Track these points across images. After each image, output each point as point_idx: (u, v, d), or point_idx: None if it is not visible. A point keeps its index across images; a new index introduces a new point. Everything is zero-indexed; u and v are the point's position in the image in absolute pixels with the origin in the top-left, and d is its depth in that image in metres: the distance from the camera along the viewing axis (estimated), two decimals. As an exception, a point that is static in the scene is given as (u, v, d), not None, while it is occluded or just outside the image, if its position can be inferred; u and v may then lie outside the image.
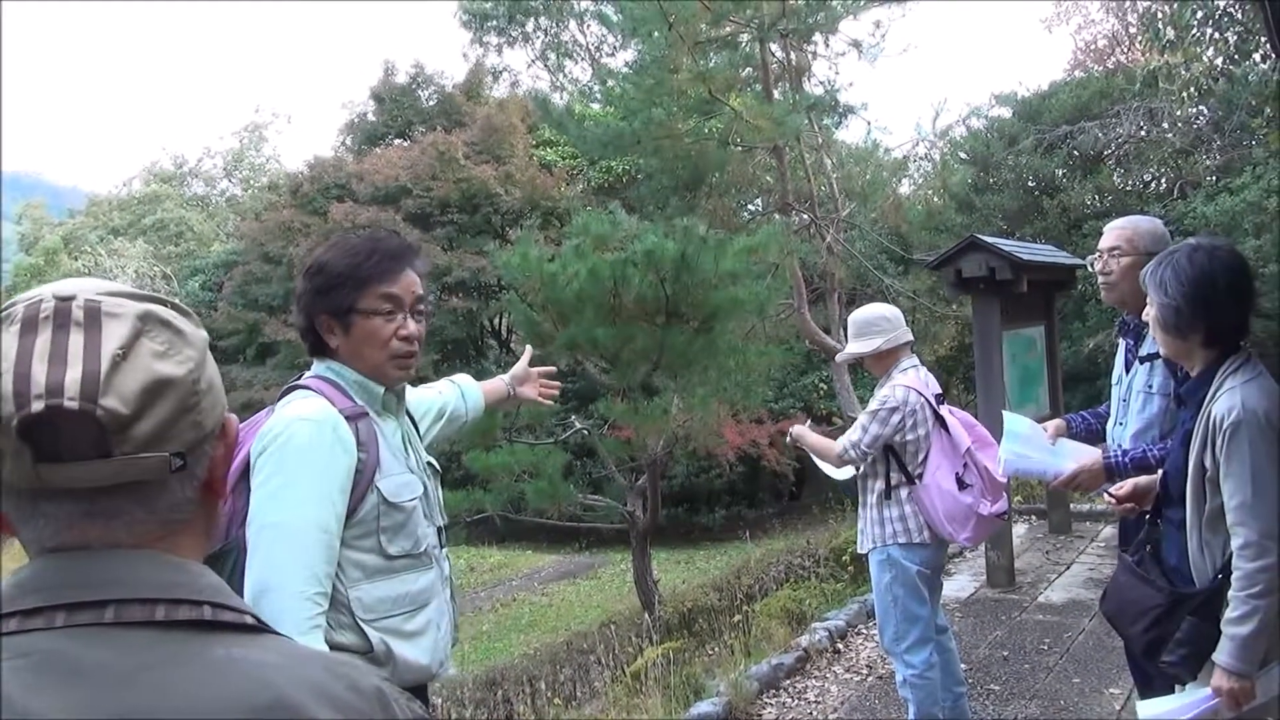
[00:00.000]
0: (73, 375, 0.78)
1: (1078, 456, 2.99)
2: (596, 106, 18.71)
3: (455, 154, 20.05)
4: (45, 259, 28.72)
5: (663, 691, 5.30)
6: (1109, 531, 7.31)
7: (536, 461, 8.20)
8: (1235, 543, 2.22)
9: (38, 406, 0.76)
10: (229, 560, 1.92)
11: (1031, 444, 3.11)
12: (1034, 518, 8.07)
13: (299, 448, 1.89)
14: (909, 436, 3.57)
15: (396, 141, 23.31)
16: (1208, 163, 12.69)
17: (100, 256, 27.28)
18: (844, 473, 3.75)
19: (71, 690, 0.73)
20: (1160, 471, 2.57)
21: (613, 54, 20.70)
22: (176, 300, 0.89)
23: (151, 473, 0.81)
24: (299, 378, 2.13)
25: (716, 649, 6.60)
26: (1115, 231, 3.08)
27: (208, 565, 1.83)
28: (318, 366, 2.10)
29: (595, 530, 13.91)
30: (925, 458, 3.58)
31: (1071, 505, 7.88)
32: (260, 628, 0.84)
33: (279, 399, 2.06)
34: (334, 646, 1.88)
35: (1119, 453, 2.95)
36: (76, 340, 0.79)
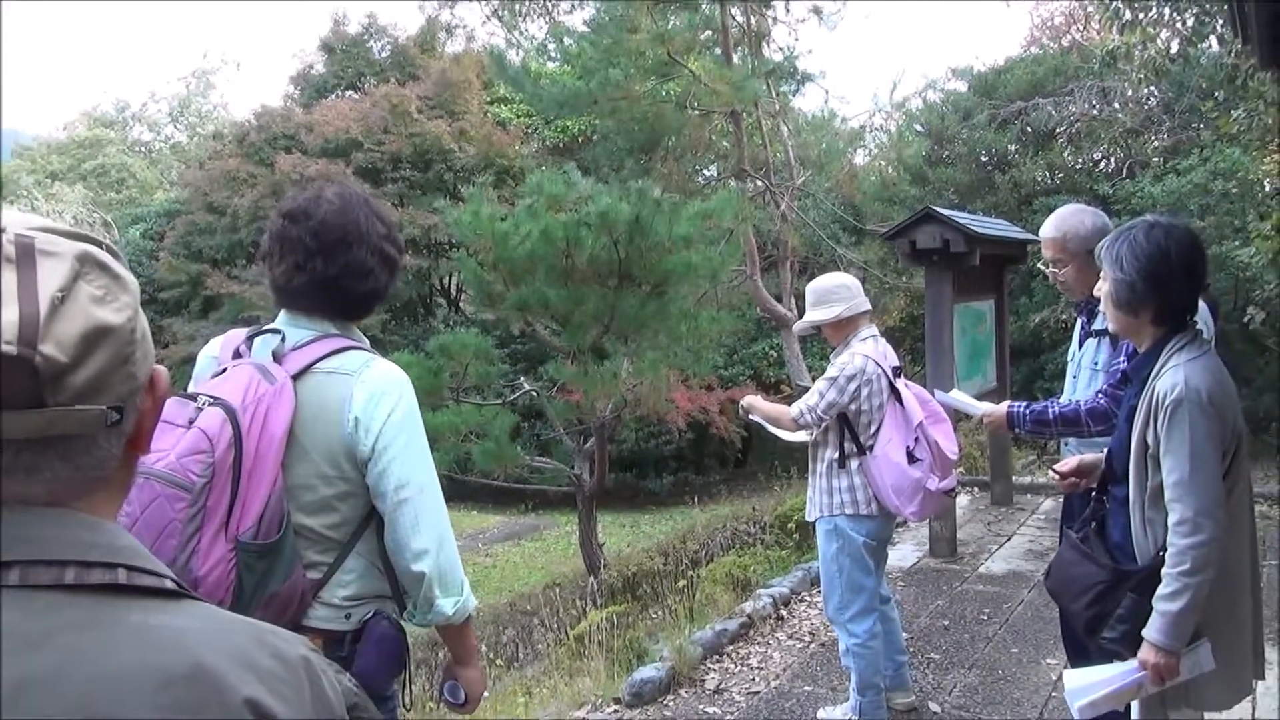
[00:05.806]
0: (9, 317, 0.70)
1: (991, 406, 3.24)
2: (553, 65, 18.46)
3: (408, 107, 19.65)
4: (-22, 202, 27.85)
5: (606, 655, 5.31)
6: (1049, 505, 7.44)
7: (484, 422, 8.15)
8: (1171, 519, 2.23)
9: None
10: (285, 549, 1.78)
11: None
12: (976, 489, 8.19)
13: (417, 410, 1.94)
14: (864, 406, 3.56)
15: (347, 93, 22.79)
16: (1156, 144, 12.85)
17: (37, 201, 26.44)
18: (798, 436, 3.73)
19: None
20: (1105, 450, 2.59)
21: (570, 11, 20.37)
22: (108, 241, 0.82)
23: (87, 426, 0.75)
24: (322, 336, 1.92)
25: (660, 613, 6.63)
26: (1047, 243, 3.08)
27: (263, 555, 1.74)
28: (331, 326, 1.94)
29: (541, 492, 13.90)
30: (878, 429, 3.57)
31: (1014, 478, 8.01)
32: (180, 593, 0.78)
33: (323, 355, 1.87)
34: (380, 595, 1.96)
35: (1021, 405, 3.09)
36: (9, 278, 0.72)
